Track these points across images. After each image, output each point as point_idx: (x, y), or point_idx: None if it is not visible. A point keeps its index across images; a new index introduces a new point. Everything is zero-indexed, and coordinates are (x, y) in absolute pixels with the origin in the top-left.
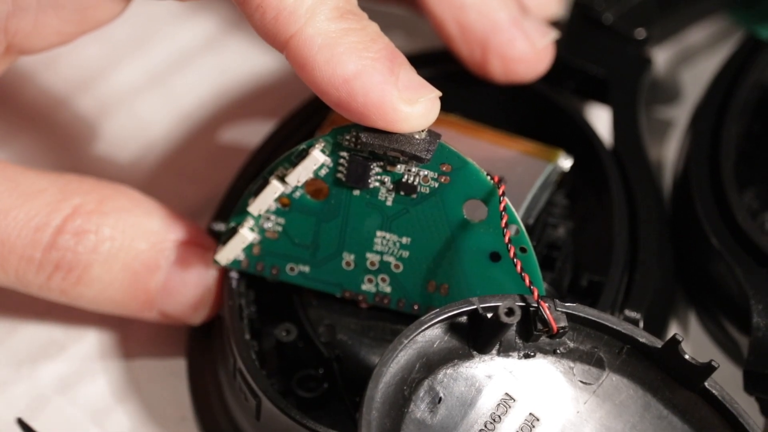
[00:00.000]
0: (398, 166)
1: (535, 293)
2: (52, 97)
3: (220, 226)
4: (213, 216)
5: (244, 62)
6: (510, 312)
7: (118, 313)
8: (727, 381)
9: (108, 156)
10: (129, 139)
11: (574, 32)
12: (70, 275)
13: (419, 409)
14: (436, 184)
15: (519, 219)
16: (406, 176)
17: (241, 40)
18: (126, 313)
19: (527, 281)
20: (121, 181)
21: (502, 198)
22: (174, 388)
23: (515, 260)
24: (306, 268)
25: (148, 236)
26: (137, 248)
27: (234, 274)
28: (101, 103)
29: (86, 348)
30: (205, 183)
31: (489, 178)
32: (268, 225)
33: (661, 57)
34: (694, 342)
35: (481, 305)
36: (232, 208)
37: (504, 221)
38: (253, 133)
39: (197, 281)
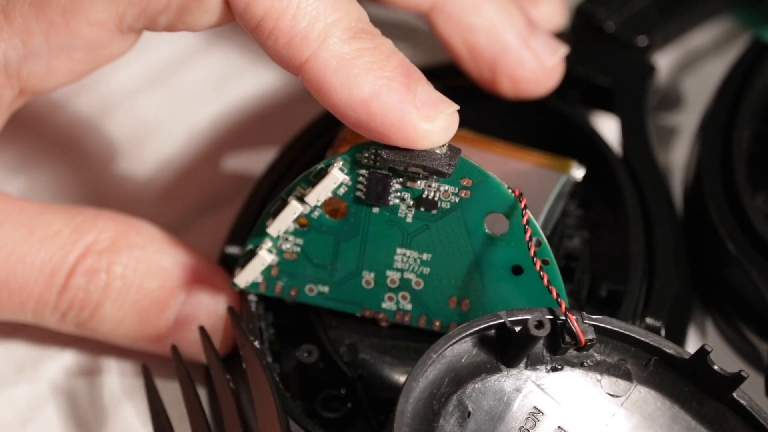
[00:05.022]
0: (418, 182)
1: (563, 306)
2: (52, 97)
3: (236, 250)
4: (226, 239)
5: (247, 61)
6: (540, 325)
7: (132, 347)
8: (747, 387)
9: (108, 156)
10: (129, 139)
11: (577, 41)
12: (83, 313)
13: (449, 423)
14: (457, 199)
15: (541, 232)
16: (426, 192)
17: (244, 39)
18: (140, 348)
19: (554, 294)
20: (121, 181)
21: (524, 211)
22: (174, 387)
23: (542, 273)
24: (325, 289)
25: (159, 274)
26: (148, 287)
27: (252, 297)
28: (101, 102)
29: (87, 348)
30: (205, 183)
31: (510, 191)
32: (286, 246)
33: (665, 62)
34: (713, 349)
35: (509, 319)
36: (246, 230)
37: (528, 234)
38: (253, 133)
39: (206, 320)
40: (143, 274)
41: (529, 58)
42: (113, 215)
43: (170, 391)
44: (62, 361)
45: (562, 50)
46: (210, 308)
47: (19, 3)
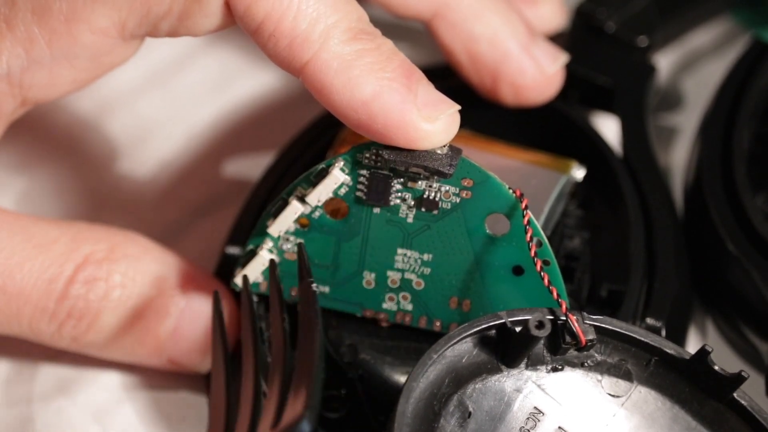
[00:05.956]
0: (419, 182)
1: (563, 306)
2: None
3: (236, 250)
4: (227, 239)
5: (246, 62)
6: (540, 325)
7: (128, 360)
8: (747, 387)
9: (108, 156)
10: (129, 140)
11: (578, 42)
12: (81, 323)
13: (449, 424)
14: (458, 199)
15: (542, 232)
16: (427, 192)
17: (244, 40)
18: (135, 361)
19: (554, 294)
20: (121, 181)
21: (525, 212)
22: (175, 388)
23: (542, 273)
24: (326, 289)
25: (158, 282)
26: (147, 295)
27: (253, 297)
28: (101, 103)
29: None
30: (205, 184)
31: (511, 191)
32: (287, 246)
33: (665, 63)
34: (713, 349)
35: (510, 319)
36: (246, 231)
37: (529, 235)
38: (253, 134)
39: (207, 327)
40: (142, 283)
41: (530, 66)
42: (106, 227)
43: (171, 390)
44: (63, 361)
45: (562, 58)
46: (209, 314)
47: (21, 11)
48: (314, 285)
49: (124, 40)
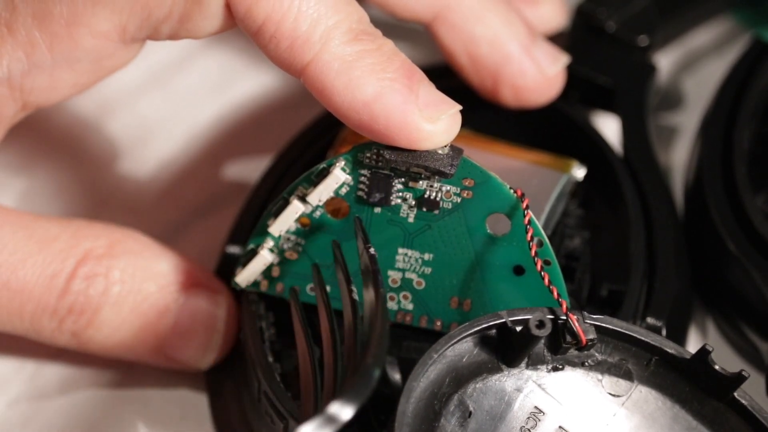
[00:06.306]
0: (420, 182)
1: (564, 306)
2: None
3: (236, 250)
4: (227, 239)
5: (247, 62)
6: (541, 324)
7: (127, 357)
8: (747, 387)
9: (108, 156)
10: (129, 140)
11: (578, 41)
12: (81, 318)
13: (450, 423)
14: (459, 199)
15: (543, 232)
16: (428, 192)
17: (243, 41)
18: (135, 358)
19: (555, 294)
20: (121, 181)
21: (526, 212)
22: (176, 386)
23: (543, 273)
24: (326, 288)
25: (158, 279)
26: (146, 291)
27: (253, 297)
28: (102, 103)
29: None
30: (206, 183)
31: (512, 191)
32: (288, 245)
33: (665, 62)
34: (714, 348)
35: (510, 318)
36: (246, 230)
37: (529, 235)
38: (254, 134)
39: (206, 324)
40: (141, 279)
41: (531, 68)
42: (105, 224)
43: (170, 389)
44: (62, 360)
45: (563, 59)
46: (209, 310)
47: (22, 15)
48: (371, 249)
49: (125, 44)
